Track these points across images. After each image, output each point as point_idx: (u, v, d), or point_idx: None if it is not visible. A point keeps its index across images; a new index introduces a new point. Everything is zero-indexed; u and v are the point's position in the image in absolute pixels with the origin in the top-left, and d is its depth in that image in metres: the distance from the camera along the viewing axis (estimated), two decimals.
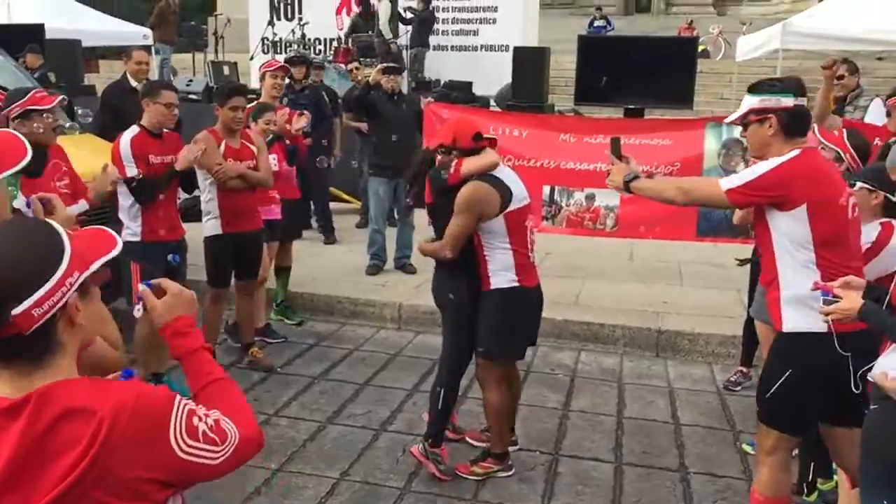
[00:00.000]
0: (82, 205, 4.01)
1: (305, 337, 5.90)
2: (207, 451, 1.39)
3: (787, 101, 2.92)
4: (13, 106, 3.84)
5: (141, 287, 1.68)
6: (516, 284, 3.74)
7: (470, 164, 3.66)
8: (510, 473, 3.97)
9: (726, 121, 3.43)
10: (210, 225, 4.95)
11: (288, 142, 5.71)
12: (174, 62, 20.42)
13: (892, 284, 2.57)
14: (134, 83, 7.25)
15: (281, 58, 12.74)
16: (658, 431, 4.55)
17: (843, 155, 3.44)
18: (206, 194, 4.93)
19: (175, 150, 4.54)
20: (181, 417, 1.37)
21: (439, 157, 3.78)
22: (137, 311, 1.68)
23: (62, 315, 1.34)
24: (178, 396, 1.41)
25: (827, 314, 2.60)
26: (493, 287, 3.74)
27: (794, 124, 2.95)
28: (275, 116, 5.42)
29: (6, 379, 1.32)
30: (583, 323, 5.92)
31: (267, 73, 6.05)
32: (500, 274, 3.72)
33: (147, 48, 14.50)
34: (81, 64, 12.18)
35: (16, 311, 1.27)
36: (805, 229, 2.86)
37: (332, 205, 8.50)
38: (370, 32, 12.64)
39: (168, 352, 5.07)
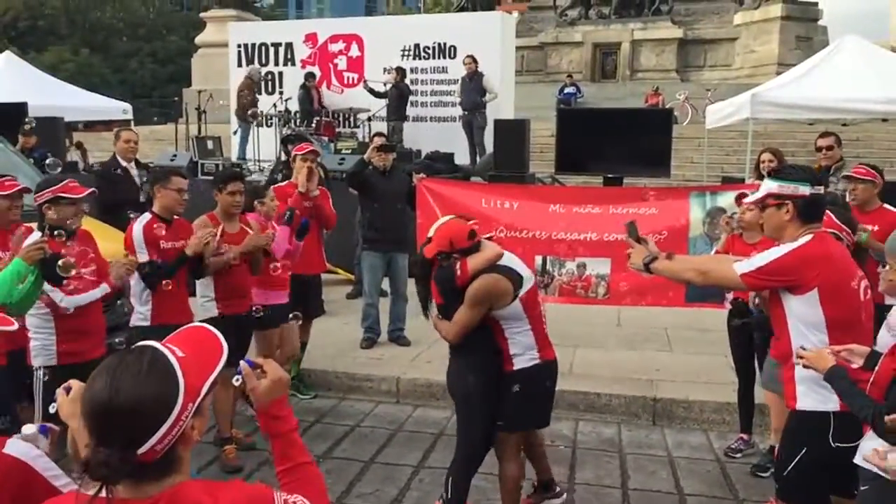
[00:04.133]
0: (104, 288, 4.11)
1: (305, 414, 5.87)
2: None
3: (804, 190, 3.03)
4: (45, 191, 3.92)
5: (243, 364, 1.74)
6: (538, 361, 3.84)
7: (476, 262, 3.70)
8: None
9: (745, 201, 3.57)
10: (206, 307, 4.93)
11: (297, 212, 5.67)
12: (151, 134, 20.57)
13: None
14: (123, 163, 7.35)
15: (264, 131, 13.08)
16: (664, 502, 4.59)
17: (840, 235, 3.56)
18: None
19: (185, 236, 4.57)
20: None
21: (440, 262, 3.78)
22: (237, 381, 1.74)
23: (180, 437, 1.40)
24: (274, 490, 1.51)
25: (800, 357, 2.74)
26: (516, 368, 3.81)
27: (809, 211, 3.05)
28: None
29: (129, 485, 1.38)
30: (579, 393, 5.99)
31: (298, 156, 6.04)
32: (523, 354, 3.81)
33: (127, 122, 14.64)
34: (65, 141, 12.21)
35: (141, 450, 1.35)
36: (817, 312, 2.95)
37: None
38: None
39: None
